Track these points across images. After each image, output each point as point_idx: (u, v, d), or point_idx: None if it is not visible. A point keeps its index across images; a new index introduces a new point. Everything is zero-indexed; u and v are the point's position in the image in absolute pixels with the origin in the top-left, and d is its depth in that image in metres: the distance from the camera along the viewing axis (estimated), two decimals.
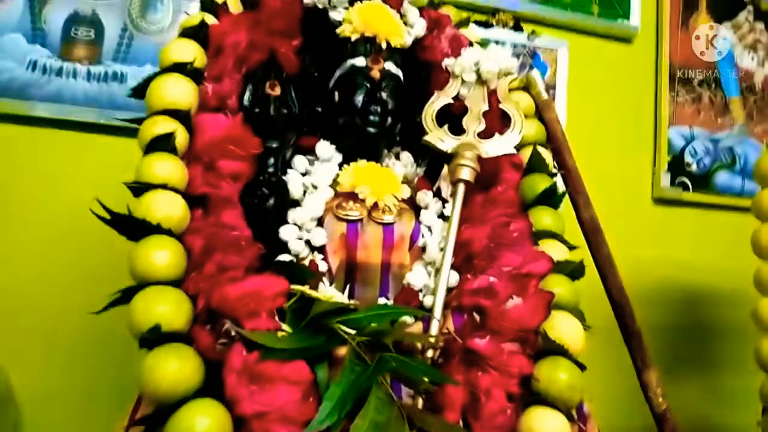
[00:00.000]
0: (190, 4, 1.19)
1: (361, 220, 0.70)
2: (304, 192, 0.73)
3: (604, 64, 1.50)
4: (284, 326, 0.59)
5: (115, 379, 1.02)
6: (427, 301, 0.68)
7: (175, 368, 0.52)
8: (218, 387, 0.54)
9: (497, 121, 0.77)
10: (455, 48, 0.83)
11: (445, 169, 0.77)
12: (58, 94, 1.14)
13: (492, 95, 0.78)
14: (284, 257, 0.67)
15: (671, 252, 1.48)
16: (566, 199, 0.79)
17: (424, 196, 0.75)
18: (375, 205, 0.71)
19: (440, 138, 0.74)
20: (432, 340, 0.61)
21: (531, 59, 1.40)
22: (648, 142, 1.53)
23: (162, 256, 0.57)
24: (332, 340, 0.58)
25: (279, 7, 0.76)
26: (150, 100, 0.67)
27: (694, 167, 1.53)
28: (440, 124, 0.76)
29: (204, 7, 0.75)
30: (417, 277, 0.70)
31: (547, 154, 0.78)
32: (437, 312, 0.63)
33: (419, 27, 0.83)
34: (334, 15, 0.79)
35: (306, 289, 0.61)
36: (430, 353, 0.61)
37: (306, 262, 0.68)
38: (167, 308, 0.55)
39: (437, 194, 0.77)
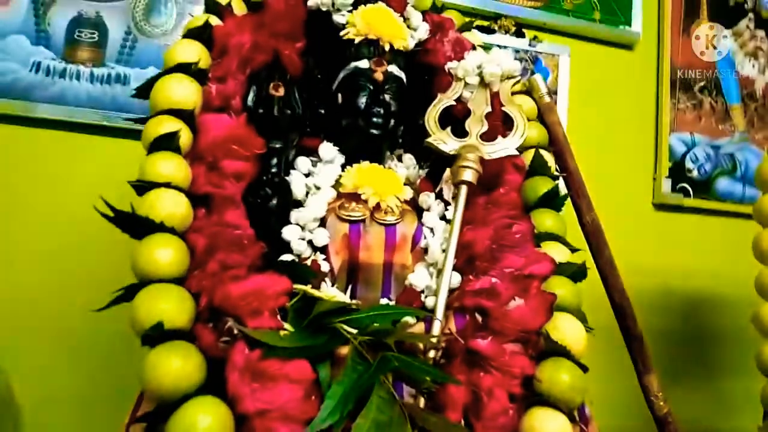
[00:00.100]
0: (193, 8, 1.21)
1: (363, 220, 0.70)
2: (307, 193, 0.73)
3: (606, 70, 1.51)
4: (286, 325, 0.59)
5: (115, 381, 1.02)
6: (429, 301, 0.68)
7: (177, 366, 0.52)
8: (220, 385, 0.53)
9: (500, 123, 0.77)
10: (458, 52, 0.83)
11: (447, 172, 0.77)
12: (61, 95, 1.14)
13: (495, 98, 0.79)
14: (286, 257, 0.67)
15: (672, 257, 1.48)
16: (568, 202, 0.79)
17: (427, 198, 0.76)
18: (377, 206, 0.71)
19: (443, 140, 0.75)
20: (434, 340, 0.61)
21: (533, 65, 1.41)
22: (649, 148, 1.53)
23: (165, 254, 0.57)
24: (334, 339, 0.58)
25: (283, 9, 0.77)
26: (154, 100, 0.67)
27: (695, 173, 1.53)
28: (443, 127, 0.76)
29: (208, 9, 0.75)
30: (419, 278, 0.70)
31: (549, 157, 0.78)
32: (439, 313, 0.63)
33: (422, 30, 0.83)
34: (338, 18, 0.79)
35: (308, 288, 0.61)
36: (432, 354, 0.61)
37: (308, 263, 0.68)
38: (170, 306, 0.55)
39: (439, 196, 0.77)
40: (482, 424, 0.57)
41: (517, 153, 0.75)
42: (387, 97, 0.76)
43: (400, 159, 0.82)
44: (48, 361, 1.09)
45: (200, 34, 0.72)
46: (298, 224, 0.70)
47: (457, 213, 0.69)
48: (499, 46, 1.27)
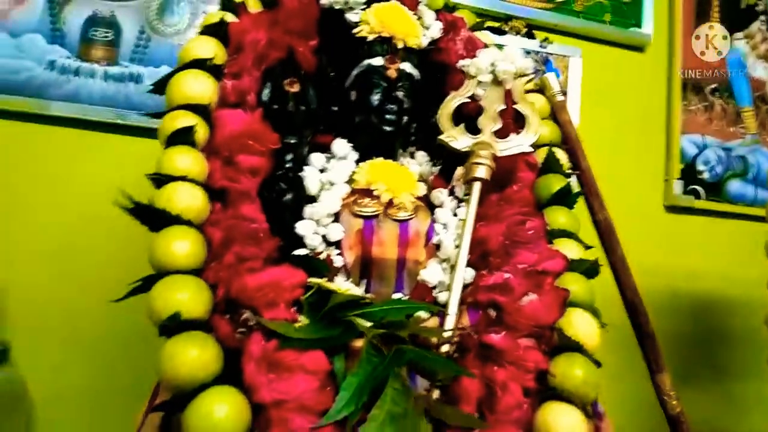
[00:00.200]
0: (206, 7, 1.23)
1: (377, 216, 0.71)
2: (321, 188, 0.73)
3: (617, 71, 1.51)
4: (301, 318, 0.59)
5: (127, 377, 1.03)
6: (442, 297, 0.68)
7: (194, 355, 0.53)
8: (237, 375, 0.54)
9: (512, 121, 0.78)
10: (470, 50, 0.83)
11: (459, 170, 0.78)
12: (75, 93, 1.15)
13: (507, 96, 0.79)
14: (301, 252, 0.68)
15: (683, 259, 1.48)
16: (580, 201, 0.80)
17: (440, 194, 0.76)
18: (391, 202, 0.71)
19: (456, 137, 0.75)
20: (447, 334, 0.61)
21: (543, 66, 1.41)
22: (660, 150, 1.53)
23: (182, 245, 0.58)
24: (349, 332, 0.59)
25: (297, 7, 0.77)
26: (171, 95, 0.67)
27: (706, 175, 1.53)
28: (456, 124, 0.77)
29: (224, 6, 0.76)
30: (432, 273, 0.70)
31: (562, 155, 0.79)
32: (453, 307, 0.63)
33: (435, 29, 0.84)
34: (351, 16, 0.80)
35: (323, 281, 0.62)
36: (445, 348, 0.62)
37: (322, 257, 0.68)
38: (187, 296, 0.55)
39: (452, 193, 0.77)
40: (496, 418, 0.57)
41: (530, 150, 0.75)
42: (400, 94, 0.76)
43: (412, 156, 0.82)
44: (60, 357, 1.10)
45: (216, 30, 0.72)
46: (312, 219, 0.70)
47: (471, 209, 0.69)
48: None
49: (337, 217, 0.71)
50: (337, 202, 0.71)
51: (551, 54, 1.43)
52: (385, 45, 0.77)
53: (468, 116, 0.78)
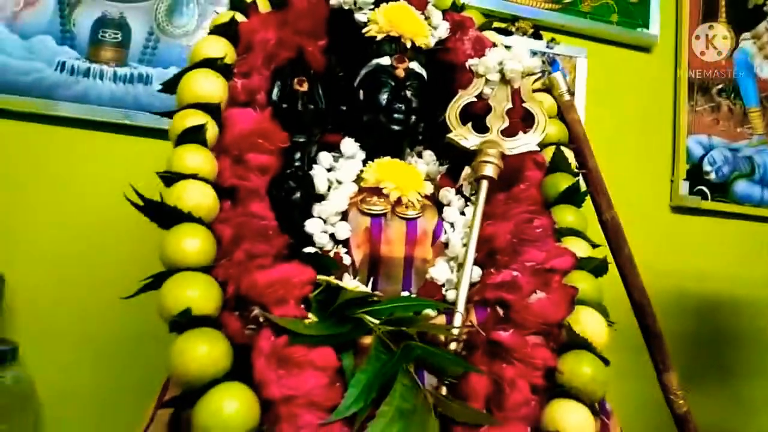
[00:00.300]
0: (215, 9, 1.23)
1: (385, 214, 0.71)
2: (329, 187, 0.74)
3: (623, 72, 1.51)
4: (310, 315, 0.60)
5: (134, 377, 1.04)
6: (450, 295, 0.69)
7: (204, 351, 0.53)
8: (246, 372, 0.54)
9: (520, 120, 0.78)
10: (478, 50, 0.84)
11: (467, 169, 0.78)
12: (84, 94, 1.16)
13: (515, 95, 0.79)
14: (309, 250, 0.68)
15: (689, 260, 1.48)
16: (587, 200, 0.80)
17: (447, 193, 0.76)
18: (398, 201, 0.72)
19: (464, 135, 0.75)
20: (456, 331, 0.62)
21: (550, 67, 1.41)
22: (667, 151, 1.53)
23: (193, 243, 0.58)
24: (358, 329, 0.59)
25: (306, 7, 0.78)
26: (181, 94, 0.68)
27: (712, 176, 1.53)
28: (464, 123, 0.77)
29: (234, 6, 0.77)
30: (440, 271, 0.70)
31: (569, 154, 0.79)
32: (461, 305, 0.64)
33: (443, 29, 0.84)
34: (359, 16, 0.80)
35: (332, 279, 0.62)
36: (453, 346, 0.62)
37: (331, 255, 0.69)
38: (197, 293, 0.55)
39: (459, 192, 0.78)
40: (504, 415, 0.57)
41: (537, 149, 0.75)
42: (408, 93, 0.76)
43: (420, 155, 0.83)
44: (69, 356, 1.10)
45: (226, 30, 0.73)
46: (320, 217, 0.70)
47: (478, 207, 0.69)
48: None
49: (345, 216, 0.72)
50: (345, 200, 0.72)
51: (558, 54, 1.43)
52: (393, 44, 0.78)
53: (476, 115, 0.78)
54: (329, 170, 0.75)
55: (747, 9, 1.62)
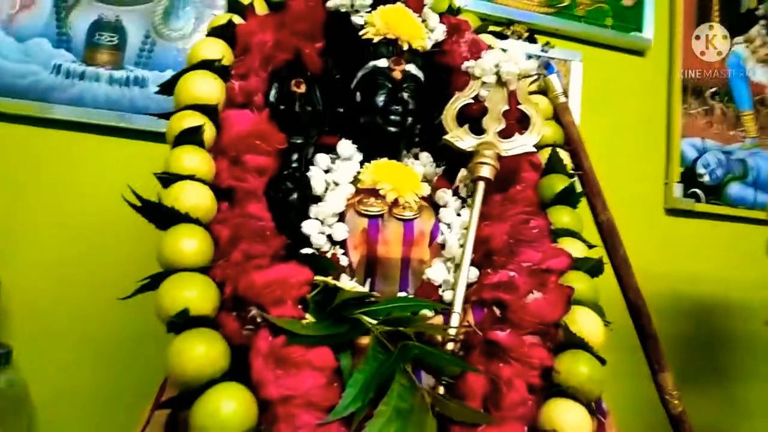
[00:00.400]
0: (211, 12, 1.24)
1: (382, 215, 0.71)
2: (326, 188, 0.74)
3: (618, 75, 1.52)
4: (307, 316, 0.60)
5: (129, 379, 1.04)
6: (447, 296, 0.69)
7: (201, 352, 0.53)
8: (244, 373, 0.54)
9: (516, 122, 0.78)
10: (474, 53, 0.84)
11: (463, 171, 0.78)
12: (80, 97, 1.16)
13: (511, 97, 0.80)
14: (306, 251, 0.68)
15: (683, 262, 1.49)
16: (583, 201, 0.80)
17: (444, 194, 0.76)
18: (395, 202, 0.72)
19: (460, 137, 0.76)
20: (453, 331, 0.62)
21: (545, 70, 1.42)
22: (660, 154, 1.54)
23: (190, 243, 0.58)
24: (355, 329, 0.59)
25: (303, 10, 0.78)
26: (178, 96, 0.68)
27: (706, 179, 1.54)
28: (460, 125, 0.77)
29: (231, 8, 0.77)
30: (437, 272, 0.70)
31: (565, 155, 0.79)
32: (458, 305, 0.64)
33: (439, 32, 0.85)
34: (356, 19, 0.81)
35: (329, 279, 0.62)
36: (450, 346, 0.62)
37: (328, 256, 0.69)
38: (195, 293, 0.55)
39: (456, 193, 0.78)
40: (501, 414, 0.57)
41: (534, 150, 0.75)
42: (405, 95, 0.77)
43: (416, 157, 0.83)
44: (64, 359, 1.10)
45: (223, 32, 0.73)
46: (317, 219, 0.71)
47: (475, 208, 0.69)
48: None
49: (342, 217, 0.72)
50: (342, 201, 0.72)
51: (553, 58, 1.44)
52: (390, 47, 0.78)
53: (472, 117, 0.79)
54: (326, 172, 0.75)
55: (739, 13, 1.63)
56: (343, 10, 0.81)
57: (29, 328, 1.09)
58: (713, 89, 1.58)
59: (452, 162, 0.81)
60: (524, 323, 0.62)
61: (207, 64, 0.69)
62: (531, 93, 0.83)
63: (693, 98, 1.55)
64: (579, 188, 0.78)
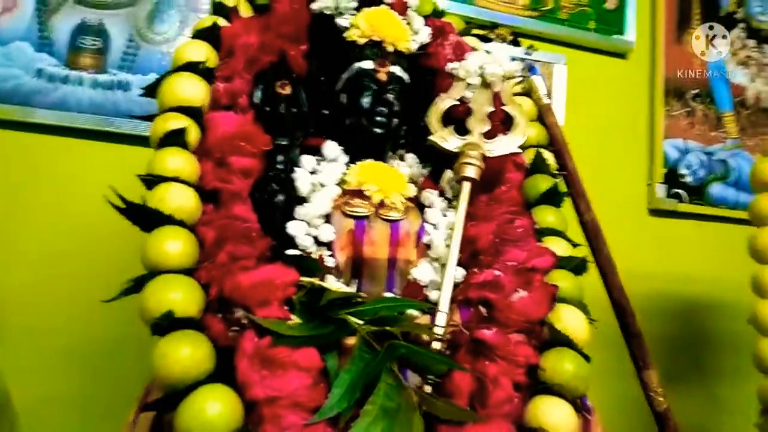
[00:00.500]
0: (196, 15, 1.23)
1: (368, 216, 0.71)
2: (312, 190, 0.74)
3: (601, 78, 1.53)
4: (293, 317, 0.60)
5: (112, 383, 1.03)
6: (433, 296, 0.69)
7: (186, 353, 0.53)
8: (229, 375, 0.54)
9: (500, 122, 0.79)
10: (459, 55, 0.85)
11: (447, 173, 0.79)
12: (63, 101, 1.15)
13: (495, 98, 0.80)
14: (292, 252, 0.68)
15: (667, 262, 1.50)
16: (567, 201, 0.81)
17: (430, 195, 0.77)
18: (381, 203, 0.72)
19: (445, 138, 0.76)
20: (439, 331, 0.62)
21: (529, 73, 1.43)
22: (643, 155, 1.56)
23: (175, 245, 0.58)
24: (341, 329, 0.59)
25: (288, 12, 0.78)
26: (162, 98, 0.68)
27: (688, 179, 1.56)
28: (445, 127, 0.78)
29: (216, 11, 0.77)
30: (423, 272, 0.71)
31: (549, 156, 0.80)
32: (444, 305, 0.64)
33: (424, 34, 0.85)
34: (341, 21, 0.81)
35: (315, 280, 0.62)
36: (437, 345, 0.62)
37: (314, 257, 0.69)
38: (180, 295, 0.55)
39: (442, 194, 0.78)
40: (487, 412, 0.58)
41: (518, 151, 0.76)
42: (390, 97, 0.77)
43: (402, 158, 0.83)
44: (45, 362, 1.09)
45: (208, 34, 0.73)
46: (303, 220, 0.71)
47: (461, 208, 0.70)
48: None
49: (328, 219, 0.72)
50: (328, 203, 0.72)
51: (536, 61, 1.44)
52: (375, 49, 0.79)
53: (457, 118, 0.79)
54: (312, 173, 0.75)
55: (720, 16, 1.66)
56: (327, 12, 0.81)
57: (10, 332, 1.07)
58: (694, 91, 1.60)
59: (438, 163, 0.81)
60: (510, 322, 0.63)
61: (191, 66, 0.69)
62: (515, 94, 0.84)
63: (675, 100, 1.57)
64: (563, 188, 0.79)
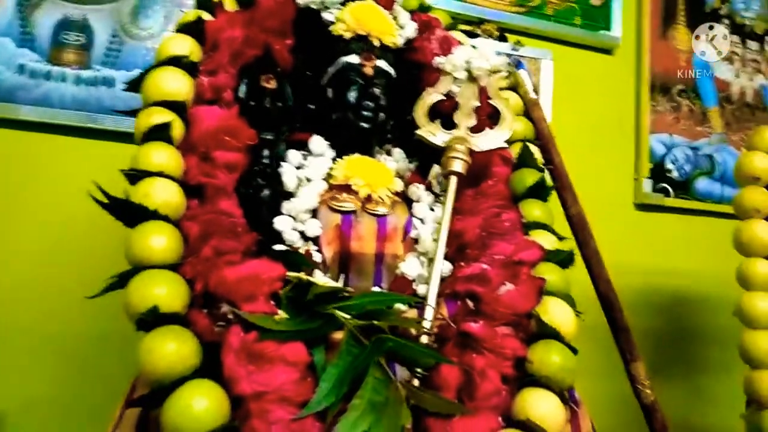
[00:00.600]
0: (180, 11, 1.22)
1: (355, 211, 0.71)
2: (298, 185, 0.73)
3: (587, 73, 1.54)
4: (280, 312, 0.59)
5: (98, 385, 1.02)
6: (421, 290, 0.69)
7: (172, 349, 0.52)
8: (216, 370, 0.54)
9: (487, 117, 0.79)
10: (445, 49, 0.85)
11: (435, 168, 0.79)
12: (46, 97, 1.14)
13: (482, 92, 0.80)
14: (279, 247, 0.68)
15: (653, 256, 1.51)
16: (554, 195, 0.81)
17: (417, 190, 0.77)
18: (368, 198, 0.72)
19: (432, 132, 0.76)
20: (427, 324, 0.62)
21: (514, 68, 1.43)
22: (630, 150, 1.56)
23: (159, 240, 0.57)
24: (329, 324, 0.59)
25: (273, 6, 0.78)
26: (146, 92, 0.67)
27: (674, 174, 1.57)
28: (432, 121, 0.78)
29: (200, 5, 0.76)
30: (410, 267, 0.70)
31: (535, 150, 0.80)
32: (431, 299, 0.64)
33: (410, 29, 0.85)
34: (327, 15, 0.81)
35: (302, 275, 0.62)
36: (424, 339, 0.62)
37: (301, 252, 0.68)
38: (165, 290, 0.55)
39: (429, 188, 0.78)
40: (475, 405, 0.58)
41: (505, 145, 0.76)
42: (377, 91, 0.77)
43: (389, 153, 0.83)
44: (29, 365, 1.07)
45: (192, 28, 0.72)
46: (289, 215, 0.70)
47: (448, 202, 0.70)
48: None
49: (314, 214, 0.72)
50: (314, 198, 0.72)
51: (523, 57, 1.45)
52: (361, 43, 0.78)
53: (443, 113, 0.79)
54: (298, 168, 0.75)
55: (704, 12, 1.67)
56: (313, 6, 0.81)
57: None
58: (680, 86, 1.61)
59: (425, 158, 0.81)
60: (497, 315, 0.63)
61: (175, 61, 0.68)
62: (502, 89, 0.84)
63: (660, 95, 1.58)
64: (549, 182, 0.79)
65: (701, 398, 1.51)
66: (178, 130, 0.65)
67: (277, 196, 0.71)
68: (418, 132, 0.76)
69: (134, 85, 0.69)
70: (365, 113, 0.76)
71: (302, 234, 0.70)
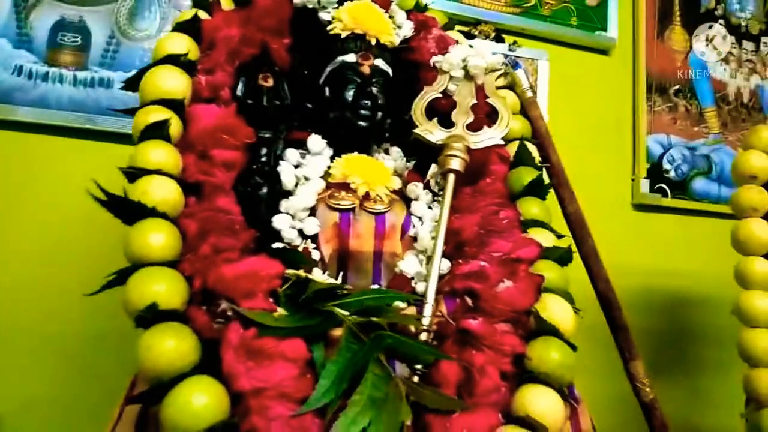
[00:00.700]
0: (177, 12, 1.22)
1: (353, 209, 0.71)
2: (297, 183, 0.73)
3: (583, 74, 1.54)
4: (279, 309, 0.59)
5: (96, 385, 1.02)
6: (420, 288, 0.69)
7: (171, 346, 0.52)
8: (215, 367, 0.53)
9: (484, 115, 0.79)
10: (442, 48, 0.85)
11: (434, 166, 0.79)
12: (43, 99, 1.14)
13: (479, 91, 0.80)
14: (277, 245, 0.68)
15: (651, 256, 1.51)
16: (551, 194, 0.81)
17: (415, 188, 0.77)
18: (366, 195, 0.72)
19: (430, 130, 0.76)
20: (426, 321, 0.62)
21: (512, 68, 1.44)
22: (627, 150, 1.57)
23: (157, 238, 0.57)
24: (328, 321, 0.59)
25: (269, 5, 0.78)
26: (144, 91, 0.67)
27: (672, 174, 1.57)
28: (429, 120, 0.78)
29: (197, 4, 0.76)
30: (409, 265, 0.71)
31: (533, 148, 0.80)
32: (430, 296, 0.64)
33: (407, 28, 0.85)
34: (323, 15, 0.81)
35: (301, 272, 0.62)
36: (423, 336, 0.62)
37: (299, 250, 0.68)
38: (163, 287, 0.54)
39: (427, 186, 0.78)
40: (474, 401, 0.58)
41: (502, 143, 0.76)
42: (374, 90, 0.77)
43: (387, 152, 0.83)
44: (29, 365, 1.07)
45: (189, 27, 0.72)
46: (288, 213, 0.70)
47: (446, 200, 0.70)
48: None
49: (313, 212, 0.71)
50: (312, 196, 0.72)
51: (520, 57, 1.45)
52: (358, 42, 0.79)
53: (441, 111, 0.79)
54: (296, 167, 0.75)
55: (700, 13, 1.68)
56: (310, 5, 0.81)
57: None
58: (677, 87, 1.61)
59: (423, 156, 0.81)
60: (496, 312, 0.63)
61: (172, 59, 0.68)
62: (498, 88, 0.84)
63: (657, 95, 1.59)
64: (547, 180, 0.79)
65: (700, 398, 1.51)
66: (175, 128, 0.65)
67: (276, 195, 0.71)
68: (416, 131, 0.76)
69: (131, 84, 0.70)
70: (363, 112, 0.76)
71: (300, 232, 0.70)
